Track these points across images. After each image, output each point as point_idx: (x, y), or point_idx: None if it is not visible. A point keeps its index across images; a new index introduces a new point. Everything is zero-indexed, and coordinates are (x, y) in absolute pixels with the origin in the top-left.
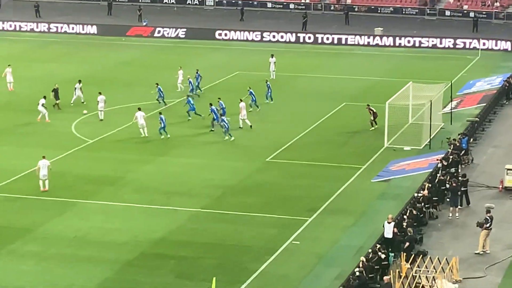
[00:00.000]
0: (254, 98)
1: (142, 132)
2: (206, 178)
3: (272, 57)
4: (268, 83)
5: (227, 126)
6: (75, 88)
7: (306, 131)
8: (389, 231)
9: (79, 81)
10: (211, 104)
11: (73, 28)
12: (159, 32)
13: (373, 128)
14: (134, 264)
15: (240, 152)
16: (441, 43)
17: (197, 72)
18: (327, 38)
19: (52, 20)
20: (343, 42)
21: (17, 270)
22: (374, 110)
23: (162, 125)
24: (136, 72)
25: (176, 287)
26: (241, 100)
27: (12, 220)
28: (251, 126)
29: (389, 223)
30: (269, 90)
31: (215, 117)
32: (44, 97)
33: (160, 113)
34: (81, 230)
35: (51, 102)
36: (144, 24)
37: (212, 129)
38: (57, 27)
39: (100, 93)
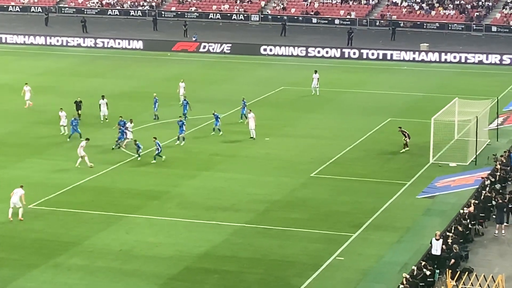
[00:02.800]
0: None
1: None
2: (250, 193)
3: (315, 73)
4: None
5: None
6: (100, 104)
7: (351, 146)
8: (436, 248)
9: (103, 97)
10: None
11: (119, 43)
12: (204, 47)
13: (403, 150)
14: (179, 279)
15: (285, 167)
16: (487, 59)
17: (243, 100)
18: (372, 54)
19: (98, 35)
20: (389, 57)
21: (63, 284)
22: (407, 132)
23: (159, 151)
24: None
25: None
26: (250, 111)
27: (58, 233)
28: (253, 138)
29: (437, 239)
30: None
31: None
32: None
33: (155, 138)
34: (126, 244)
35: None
36: (194, 39)
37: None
38: (103, 42)
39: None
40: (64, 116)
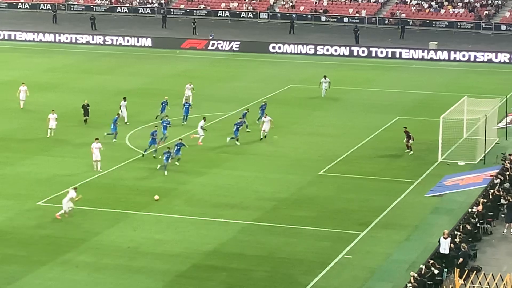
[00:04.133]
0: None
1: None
2: (258, 191)
3: (324, 79)
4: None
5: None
6: (121, 106)
7: (359, 144)
8: (445, 247)
9: (124, 98)
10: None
11: (128, 41)
12: (213, 45)
13: (407, 151)
14: (186, 276)
15: (293, 165)
16: (496, 57)
17: (264, 103)
18: (381, 52)
19: (107, 32)
20: (397, 56)
21: (70, 280)
22: (411, 134)
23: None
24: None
25: None
26: (266, 115)
27: (66, 230)
28: (261, 138)
29: (445, 238)
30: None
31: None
32: (53, 111)
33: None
34: (133, 241)
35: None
36: (211, 37)
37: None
38: (112, 40)
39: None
40: (54, 119)
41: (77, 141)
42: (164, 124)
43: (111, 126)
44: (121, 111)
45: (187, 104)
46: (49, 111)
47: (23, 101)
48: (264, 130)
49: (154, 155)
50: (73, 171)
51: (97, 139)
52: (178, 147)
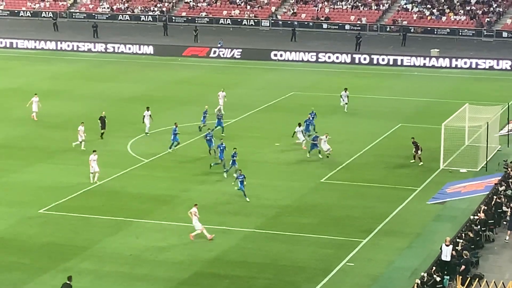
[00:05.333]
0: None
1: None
2: (261, 198)
3: (345, 91)
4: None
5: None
6: (144, 116)
7: (361, 152)
8: (446, 254)
9: (147, 108)
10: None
11: (129, 48)
12: (214, 52)
13: (413, 161)
14: (189, 283)
15: (295, 172)
16: (498, 64)
17: (312, 112)
18: (383, 59)
19: (109, 40)
20: (399, 63)
21: None
22: (419, 145)
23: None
24: (192, 91)
25: None
26: (327, 135)
27: (68, 237)
28: (327, 156)
29: (447, 245)
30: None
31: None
32: (82, 123)
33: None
34: (136, 248)
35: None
36: (219, 45)
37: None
38: (114, 47)
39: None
40: (82, 131)
41: (79, 148)
42: (208, 138)
43: (171, 137)
44: (144, 122)
45: (220, 115)
46: (52, 118)
47: (35, 113)
48: (327, 150)
49: (225, 170)
50: (76, 179)
51: (94, 151)
52: (233, 158)
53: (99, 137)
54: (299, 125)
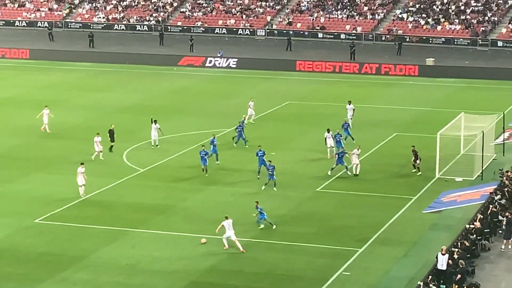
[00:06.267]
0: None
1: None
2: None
3: (349, 104)
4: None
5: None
6: (152, 129)
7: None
8: (442, 263)
9: (154, 121)
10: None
11: (125, 57)
12: (210, 61)
13: (414, 170)
14: None
15: (291, 181)
16: (493, 73)
17: (345, 123)
18: (378, 68)
19: (105, 50)
20: (394, 72)
21: None
22: (418, 154)
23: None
24: (188, 101)
25: None
26: (359, 147)
27: (64, 247)
28: (356, 174)
29: (443, 254)
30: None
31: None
32: (98, 134)
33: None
34: (132, 258)
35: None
36: (220, 54)
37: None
38: (110, 57)
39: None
40: (99, 142)
41: (75, 158)
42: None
43: (210, 148)
44: (151, 134)
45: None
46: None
47: (46, 125)
48: (355, 164)
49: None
50: (72, 189)
51: (82, 164)
52: (271, 170)
53: (107, 150)
54: (328, 130)
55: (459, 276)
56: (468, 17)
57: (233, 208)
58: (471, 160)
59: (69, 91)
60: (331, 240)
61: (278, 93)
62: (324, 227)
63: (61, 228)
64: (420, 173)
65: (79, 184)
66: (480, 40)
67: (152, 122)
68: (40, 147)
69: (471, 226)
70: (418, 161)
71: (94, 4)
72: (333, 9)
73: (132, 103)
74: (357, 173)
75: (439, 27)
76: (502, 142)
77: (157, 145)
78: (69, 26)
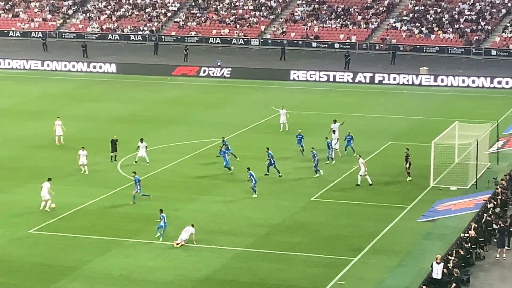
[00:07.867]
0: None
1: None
2: (251, 217)
3: (334, 123)
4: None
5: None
6: (138, 146)
7: (351, 170)
8: (437, 272)
9: (141, 140)
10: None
11: (119, 68)
12: (204, 71)
13: (409, 178)
14: None
15: (285, 191)
16: (487, 82)
17: (349, 135)
18: (372, 77)
19: (99, 60)
20: (388, 81)
21: None
22: (409, 158)
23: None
24: (182, 110)
25: None
26: (359, 156)
27: (58, 258)
28: (371, 184)
29: (438, 263)
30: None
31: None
32: (83, 148)
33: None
34: (126, 268)
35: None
36: (218, 64)
37: (267, 173)
38: (103, 67)
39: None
40: (85, 156)
41: (67, 168)
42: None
43: (223, 162)
44: (139, 152)
45: (300, 136)
46: (40, 139)
47: (59, 136)
48: (363, 175)
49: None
50: (64, 199)
51: (49, 179)
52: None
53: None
54: (335, 121)
55: (453, 285)
56: (461, 26)
57: (226, 218)
58: (466, 169)
59: (62, 101)
60: (325, 249)
61: (272, 102)
62: (318, 236)
63: (55, 238)
64: (410, 178)
65: (43, 198)
66: (473, 49)
67: (140, 141)
68: (33, 157)
69: (466, 234)
70: (407, 165)
71: (88, 14)
72: (327, 18)
73: (126, 113)
74: (371, 182)
75: (432, 36)
76: (496, 150)
77: (147, 163)
78: (63, 36)
